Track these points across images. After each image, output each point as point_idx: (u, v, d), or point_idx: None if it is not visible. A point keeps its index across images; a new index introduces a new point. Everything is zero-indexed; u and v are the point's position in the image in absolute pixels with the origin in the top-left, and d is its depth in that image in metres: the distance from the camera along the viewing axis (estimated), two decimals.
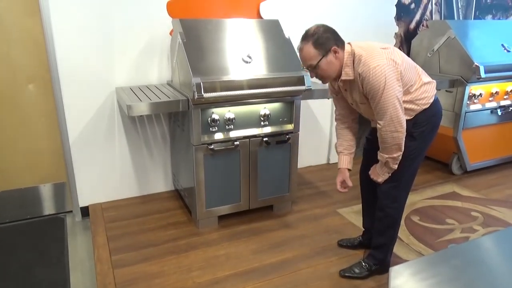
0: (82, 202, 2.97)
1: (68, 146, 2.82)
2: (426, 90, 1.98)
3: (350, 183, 2.19)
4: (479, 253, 1.29)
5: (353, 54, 1.90)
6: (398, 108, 1.83)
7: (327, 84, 2.23)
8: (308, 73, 2.02)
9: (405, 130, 1.88)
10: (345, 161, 2.20)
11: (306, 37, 1.90)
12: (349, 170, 2.21)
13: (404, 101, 1.91)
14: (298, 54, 1.99)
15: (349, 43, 1.94)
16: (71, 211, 3.01)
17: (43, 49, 2.65)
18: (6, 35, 2.57)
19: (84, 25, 2.64)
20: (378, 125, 1.90)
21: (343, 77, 1.94)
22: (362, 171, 2.36)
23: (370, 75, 1.81)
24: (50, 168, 2.91)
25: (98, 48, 2.72)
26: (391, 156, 1.92)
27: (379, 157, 1.99)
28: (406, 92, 1.92)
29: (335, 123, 2.29)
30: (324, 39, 1.87)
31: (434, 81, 2.05)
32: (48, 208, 2.98)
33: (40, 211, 2.95)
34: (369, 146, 2.28)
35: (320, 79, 1.99)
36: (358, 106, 2.07)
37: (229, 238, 2.59)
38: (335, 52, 1.89)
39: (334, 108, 2.27)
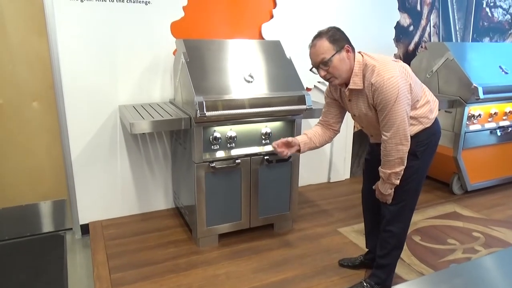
0: (82, 220, 2.96)
1: (70, 163, 2.83)
2: (431, 109, 1.99)
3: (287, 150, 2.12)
4: (481, 273, 1.29)
5: (364, 64, 1.89)
6: (405, 121, 1.84)
7: None
8: (309, 93, 2.01)
9: (409, 144, 1.87)
10: (303, 138, 2.15)
11: (320, 34, 1.88)
12: (298, 151, 2.15)
13: (409, 117, 1.91)
14: (309, 51, 1.93)
15: (359, 52, 1.93)
16: (71, 229, 3.00)
17: (48, 67, 2.69)
18: (13, 53, 2.62)
19: (89, 44, 2.70)
20: (383, 137, 1.89)
21: (351, 86, 1.92)
22: (364, 193, 2.36)
23: (384, 86, 1.80)
24: (51, 185, 2.92)
25: (102, 66, 2.77)
26: (393, 171, 1.91)
27: (380, 174, 1.97)
28: (412, 107, 1.92)
29: (332, 138, 2.24)
30: (338, 36, 1.87)
31: (437, 100, 2.07)
32: (48, 225, 2.97)
33: (40, 229, 2.94)
34: (368, 168, 2.29)
35: (329, 79, 1.93)
36: (361, 118, 2.05)
37: (230, 257, 2.57)
38: (348, 51, 1.88)
39: (322, 113, 2.23)
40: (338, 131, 2.23)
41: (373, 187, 2.10)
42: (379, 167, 1.98)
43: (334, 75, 1.90)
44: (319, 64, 1.89)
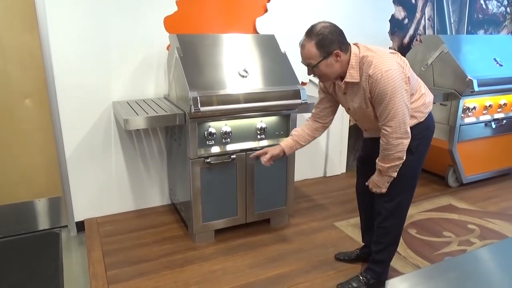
0: (78, 217, 2.94)
1: (64, 160, 2.81)
2: (425, 103, 1.97)
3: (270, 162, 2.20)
4: (476, 265, 1.29)
5: (361, 57, 1.85)
6: (406, 115, 1.81)
7: None
8: (304, 88, 2.01)
9: (410, 138, 1.86)
10: (288, 143, 2.19)
11: (311, 34, 1.82)
12: (283, 154, 2.20)
13: None
14: (300, 49, 1.91)
15: (356, 44, 1.89)
16: (66, 226, 2.99)
17: (40, 64, 2.66)
18: (4, 50, 2.59)
19: (81, 40, 2.66)
20: (383, 131, 1.86)
21: (347, 79, 1.89)
22: (358, 190, 2.35)
23: (382, 79, 1.76)
24: (45, 182, 2.90)
25: (95, 62, 2.74)
26: (392, 164, 1.88)
27: (378, 167, 1.94)
28: None
29: (326, 132, 2.25)
30: (328, 41, 1.81)
31: (432, 95, 2.05)
32: (43, 223, 2.95)
33: (35, 226, 2.92)
34: (361, 165, 2.28)
35: (317, 78, 1.96)
36: (356, 112, 2.02)
37: (226, 253, 2.57)
38: (337, 56, 1.83)
39: (315, 105, 2.24)
40: (328, 125, 2.22)
41: (366, 183, 2.08)
42: (377, 160, 1.95)
43: (321, 77, 1.93)
44: (306, 66, 1.91)
